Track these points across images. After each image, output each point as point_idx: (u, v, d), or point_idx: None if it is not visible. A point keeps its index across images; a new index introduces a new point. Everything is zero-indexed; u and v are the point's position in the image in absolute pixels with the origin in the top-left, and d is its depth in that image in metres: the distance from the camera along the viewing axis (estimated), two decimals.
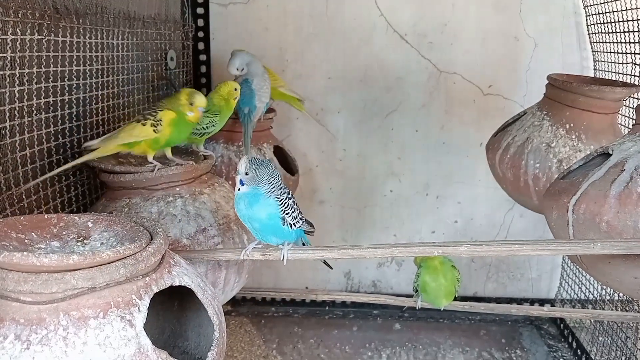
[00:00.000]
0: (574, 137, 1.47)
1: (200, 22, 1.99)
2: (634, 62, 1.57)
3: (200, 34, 2.00)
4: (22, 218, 0.87)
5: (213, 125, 1.43)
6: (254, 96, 1.60)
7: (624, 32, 1.60)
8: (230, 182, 1.46)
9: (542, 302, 2.16)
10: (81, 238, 0.88)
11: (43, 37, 1.13)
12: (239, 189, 1.08)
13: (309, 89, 2.04)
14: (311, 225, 1.19)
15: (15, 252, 0.71)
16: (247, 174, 1.06)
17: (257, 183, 1.07)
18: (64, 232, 0.89)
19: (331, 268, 1.39)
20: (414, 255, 1.43)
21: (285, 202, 1.09)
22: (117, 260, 0.76)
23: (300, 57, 2.03)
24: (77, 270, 0.72)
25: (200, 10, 1.98)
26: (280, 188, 1.10)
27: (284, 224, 1.09)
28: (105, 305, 0.73)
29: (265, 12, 1.99)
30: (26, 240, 0.84)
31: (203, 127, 1.41)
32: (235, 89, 1.45)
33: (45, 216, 0.90)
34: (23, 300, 0.71)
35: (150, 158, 1.26)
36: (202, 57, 2.02)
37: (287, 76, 2.02)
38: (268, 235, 1.10)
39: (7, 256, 0.70)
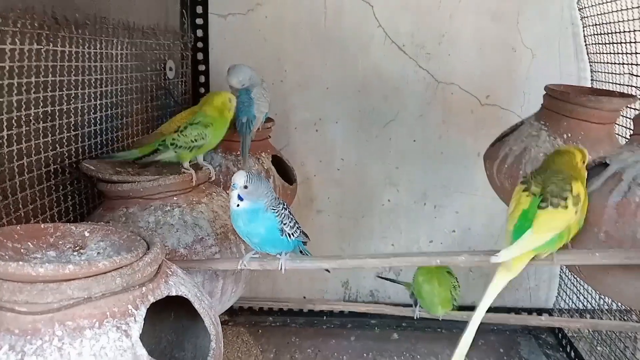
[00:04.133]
0: None
1: (200, 33, 2.00)
2: (631, 72, 1.58)
3: (200, 45, 2.00)
4: (18, 227, 0.87)
5: (202, 138, 1.30)
6: (253, 105, 1.60)
7: (621, 42, 1.61)
8: (228, 192, 1.46)
9: (540, 311, 2.15)
10: (78, 248, 0.88)
11: (42, 47, 1.13)
12: (237, 205, 1.04)
13: (307, 99, 2.04)
14: (306, 235, 1.19)
15: (11, 262, 0.71)
16: (246, 187, 1.03)
17: (257, 197, 1.05)
18: (61, 242, 0.88)
19: (329, 272, 1.39)
20: (413, 265, 1.43)
21: (282, 213, 1.09)
22: (113, 270, 0.75)
23: (299, 67, 2.03)
24: (73, 280, 0.72)
25: (199, 21, 1.99)
26: (276, 199, 1.09)
27: (282, 235, 1.08)
28: (101, 315, 0.73)
29: (264, 23, 2.00)
30: (22, 250, 0.84)
31: (191, 140, 1.29)
32: (230, 100, 1.37)
33: (42, 225, 0.90)
34: (18, 310, 0.70)
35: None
36: (201, 68, 2.02)
37: (285, 86, 2.03)
38: (266, 247, 1.10)
39: (3, 266, 0.70)
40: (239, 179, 1.03)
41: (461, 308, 1.71)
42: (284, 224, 1.08)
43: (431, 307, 1.56)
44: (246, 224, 1.06)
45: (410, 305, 1.65)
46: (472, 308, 2.12)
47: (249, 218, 1.05)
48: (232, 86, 1.62)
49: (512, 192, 1.51)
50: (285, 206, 1.11)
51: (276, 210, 1.07)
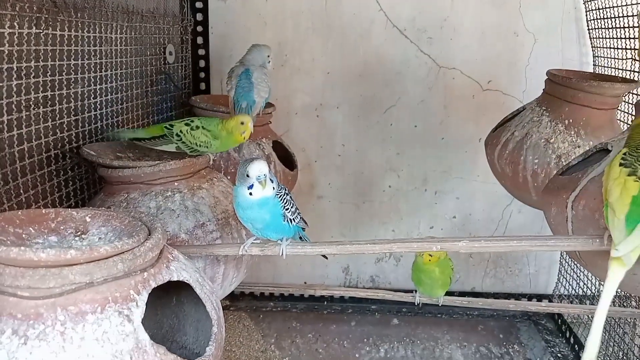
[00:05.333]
0: (573, 132, 1.46)
1: (199, 17, 1.98)
2: (633, 57, 1.57)
3: (199, 29, 1.99)
4: (19, 212, 0.87)
5: (207, 147, 1.34)
6: (253, 89, 1.59)
7: (624, 27, 1.60)
8: (229, 177, 1.46)
9: (540, 297, 2.16)
10: (79, 233, 0.88)
11: (41, 31, 1.13)
12: (273, 189, 1.05)
13: (308, 84, 2.04)
14: (305, 222, 1.19)
15: (13, 247, 0.71)
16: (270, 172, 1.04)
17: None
18: (62, 227, 0.89)
19: (326, 258, 1.39)
20: (413, 251, 1.43)
21: (285, 199, 1.09)
22: (115, 255, 0.75)
23: (299, 52, 2.02)
24: (74, 265, 0.72)
25: (199, 5, 1.97)
26: (278, 185, 1.09)
27: (284, 220, 1.08)
28: (103, 300, 0.73)
29: (264, 7, 1.99)
30: (24, 235, 0.84)
31: (196, 143, 1.32)
32: (243, 123, 1.36)
33: (43, 211, 0.89)
34: (20, 295, 0.70)
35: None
36: (201, 52, 2.01)
37: (285, 71, 2.02)
38: (268, 232, 1.10)
39: (4, 251, 0.70)
40: (264, 167, 1.03)
41: (462, 294, 1.72)
42: (286, 210, 1.09)
43: (432, 291, 1.57)
44: (256, 210, 1.06)
45: (411, 291, 1.66)
46: (471, 294, 2.15)
47: (259, 204, 1.05)
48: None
49: (513, 177, 1.53)
50: (286, 192, 1.11)
51: (279, 196, 1.08)
